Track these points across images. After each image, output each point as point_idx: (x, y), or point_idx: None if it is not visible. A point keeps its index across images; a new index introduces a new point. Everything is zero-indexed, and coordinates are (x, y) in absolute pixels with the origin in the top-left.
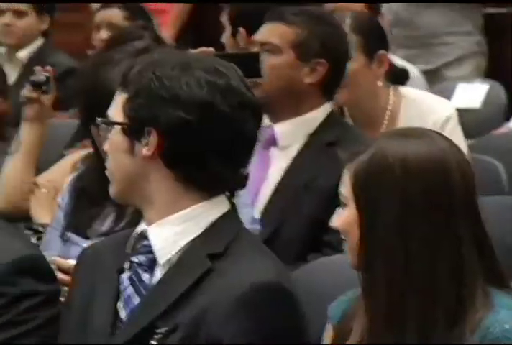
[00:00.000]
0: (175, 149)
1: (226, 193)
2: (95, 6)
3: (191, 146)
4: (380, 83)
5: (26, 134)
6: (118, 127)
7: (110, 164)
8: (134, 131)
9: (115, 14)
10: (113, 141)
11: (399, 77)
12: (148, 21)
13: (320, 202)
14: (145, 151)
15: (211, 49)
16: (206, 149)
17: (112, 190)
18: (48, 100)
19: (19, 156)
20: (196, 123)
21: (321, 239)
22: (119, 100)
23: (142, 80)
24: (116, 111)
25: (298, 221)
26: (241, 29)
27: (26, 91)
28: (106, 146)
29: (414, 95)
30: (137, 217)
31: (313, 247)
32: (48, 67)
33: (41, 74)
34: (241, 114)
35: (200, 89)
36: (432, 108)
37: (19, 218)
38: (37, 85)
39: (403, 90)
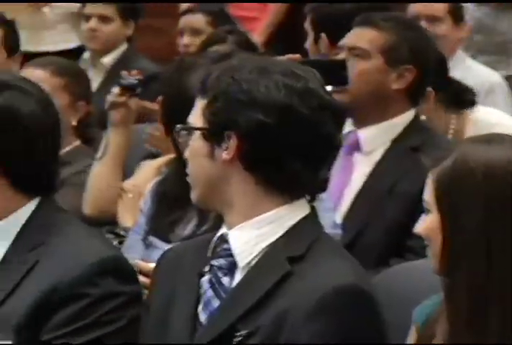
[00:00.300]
0: (254, 152)
1: (307, 197)
2: (183, 7)
3: (270, 148)
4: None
5: (112, 138)
6: (198, 133)
7: (191, 169)
8: (213, 135)
9: (198, 20)
10: (194, 147)
11: (467, 102)
12: (233, 27)
13: (404, 206)
14: (225, 155)
15: (298, 55)
16: (285, 152)
17: (194, 196)
18: (135, 104)
19: (106, 160)
20: (275, 125)
21: (403, 244)
22: (199, 106)
23: (220, 84)
24: (195, 117)
25: (381, 226)
26: (323, 35)
27: (113, 96)
28: (187, 153)
29: (482, 115)
30: (219, 221)
31: (395, 252)
32: (135, 71)
33: (129, 78)
34: (320, 116)
35: (278, 92)
36: (500, 127)
37: (106, 222)
38: (128, 89)
39: (469, 113)
